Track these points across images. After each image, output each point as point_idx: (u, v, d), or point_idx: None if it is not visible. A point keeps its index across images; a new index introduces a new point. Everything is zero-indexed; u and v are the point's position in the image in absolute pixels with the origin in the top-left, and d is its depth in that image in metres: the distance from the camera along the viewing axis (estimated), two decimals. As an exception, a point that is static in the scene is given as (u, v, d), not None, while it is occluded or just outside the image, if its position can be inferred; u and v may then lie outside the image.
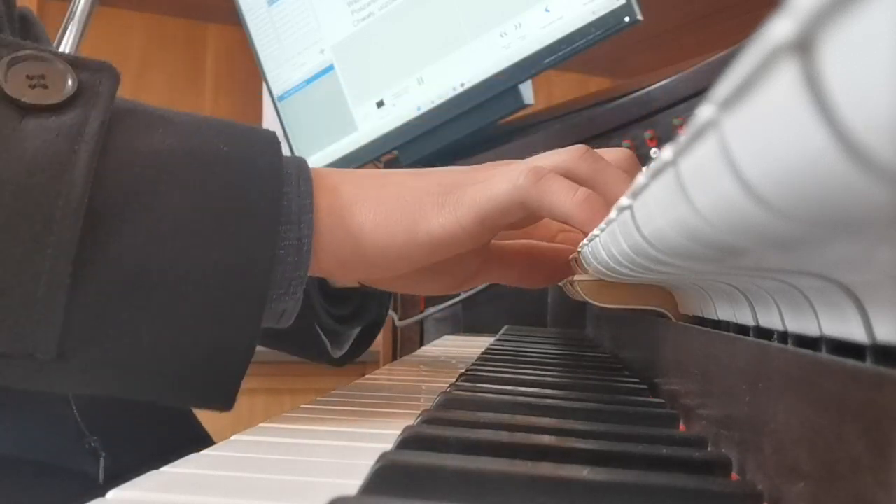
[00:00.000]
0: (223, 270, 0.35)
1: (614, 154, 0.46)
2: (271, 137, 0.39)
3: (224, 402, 0.38)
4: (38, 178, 0.32)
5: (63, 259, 0.32)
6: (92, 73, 0.35)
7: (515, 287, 0.51)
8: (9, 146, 0.32)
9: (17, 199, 0.32)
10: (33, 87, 0.34)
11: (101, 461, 0.54)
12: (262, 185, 0.36)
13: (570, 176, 0.41)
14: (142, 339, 0.34)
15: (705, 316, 0.35)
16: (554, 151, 0.44)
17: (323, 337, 0.55)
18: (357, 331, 0.60)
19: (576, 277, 0.46)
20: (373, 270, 0.42)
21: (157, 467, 0.27)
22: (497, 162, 0.44)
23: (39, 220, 0.32)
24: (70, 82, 0.35)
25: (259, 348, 0.38)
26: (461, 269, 0.48)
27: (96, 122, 0.34)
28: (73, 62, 0.35)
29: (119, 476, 0.24)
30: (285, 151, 0.40)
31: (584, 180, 0.41)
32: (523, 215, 0.41)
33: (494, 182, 0.41)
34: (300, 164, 0.40)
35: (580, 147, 0.43)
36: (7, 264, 0.32)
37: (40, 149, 0.32)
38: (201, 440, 0.64)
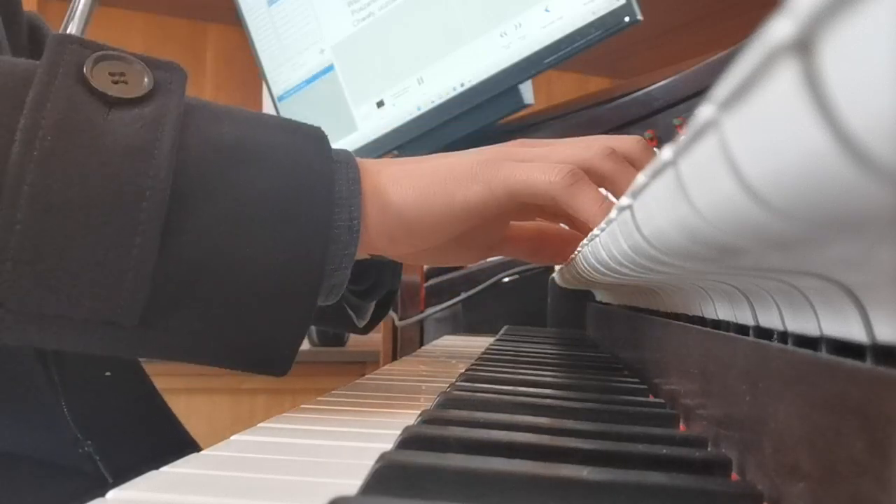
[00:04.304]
0: (285, 249, 0.39)
1: (629, 143, 0.49)
2: (319, 131, 0.43)
3: (281, 368, 0.41)
4: (128, 162, 0.36)
5: (153, 234, 0.36)
6: (165, 71, 0.39)
7: (525, 261, 0.58)
8: (101, 134, 0.36)
9: (111, 181, 0.35)
10: (116, 83, 0.38)
11: (99, 464, 0.54)
12: (316, 173, 0.40)
13: (591, 171, 0.46)
14: (214, 309, 0.38)
15: (705, 316, 0.35)
16: (581, 143, 0.48)
17: (349, 311, 0.61)
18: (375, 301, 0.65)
19: (556, 267, 0.48)
20: (417, 241, 0.45)
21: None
22: (532, 141, 0.49)
23: (131, 200, 0.35)
24: (147, 79, 0.38)
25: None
26: (485, 240, 0.53)
27: (174, 113, 0.37)
28: (148, 62, 0.39)
29: (120, 476, 0.24)
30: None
31: (607, 178, 0.46)
32: (551, 205, 0.46)
33: (533, 169, 0.44)
34: (347, 153, 0.44)
35: (604, 145, 0.47)
36: (102, 238, 0.35)
37: (128, 136, 0.36)
38: (190, 446, 0.64)
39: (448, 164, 0.45)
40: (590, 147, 0.47)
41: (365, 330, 0.65)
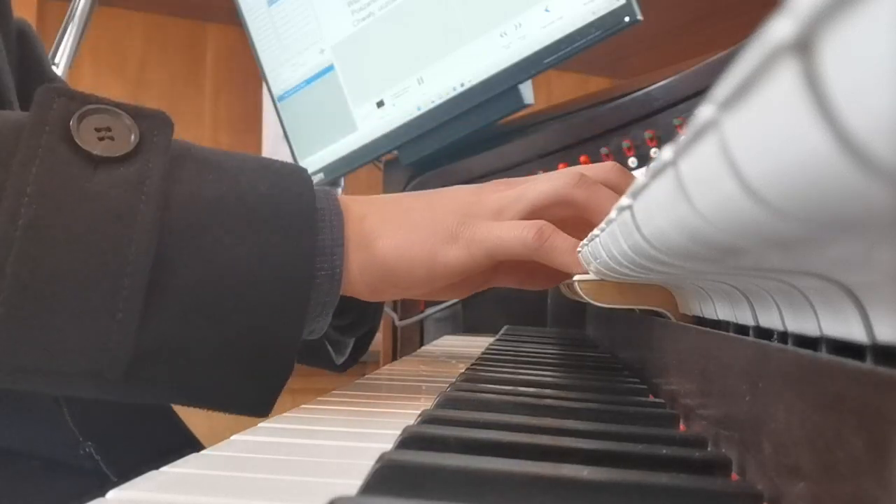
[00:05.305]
0: (268, 299, 0.40)
1: (603, 169, 0.51)
2: (305, 175, 0.44)
3: (263, 410, 0.43)
4: (112, 228, 0.36)
5: (136, 295, 0.37)
6: (151, 123, 0.39)
7: (519, 289, 0.58)
8: (85, 198, 0.36)
9: (95, 244, 0.36)
10: (101, 139, 0.38)
11: (101, 463, 0.54)
12: (300, 224, 0.41)
13: (566, 202, 0.47)
14: (197, 360, 0.39)
15: (705, 316, 0.35)
16: (549, 176, 0.49)
17: (328, 347, 0.60)
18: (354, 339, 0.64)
19: (576, 278, 0.46)
20: (398, 292, 0.47)
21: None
22: (503, 182, 0.50)
23: (115, 266, 0.36)
24: (133, 135, 0.39)
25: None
26: (474, 282, 0.54)
27: (158, 173, 0.38)
28: (133, 112, 0.39)
29: (124, 474, 0.25)
30: (285, 152, 0.43)
31: (581, 206, 0.47)
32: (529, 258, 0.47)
33: (505, 229, 0.46)
34: (331, 198, 0.44)
35: (573, 173, 0.49)
36: (87, 299, 0.36)
37: (113, 199, 0.37)
38: (192, 444, 0.64)
39: (431, 220, 0.46)
40: (559, 178, 0.48)
41: (342, 368, 0.64)
